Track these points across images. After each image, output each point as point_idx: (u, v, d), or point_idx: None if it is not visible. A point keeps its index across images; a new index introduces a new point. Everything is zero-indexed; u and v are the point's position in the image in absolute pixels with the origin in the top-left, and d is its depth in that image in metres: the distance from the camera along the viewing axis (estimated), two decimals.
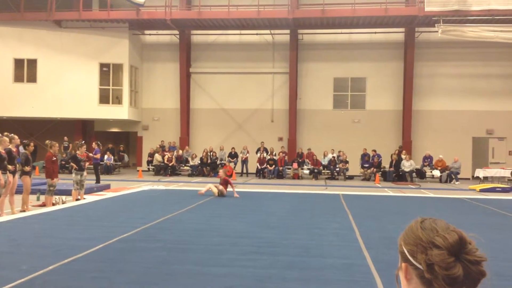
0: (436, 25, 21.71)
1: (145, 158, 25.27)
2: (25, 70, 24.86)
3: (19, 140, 10.96)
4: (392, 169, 22.30)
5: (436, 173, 22.19)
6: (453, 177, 21.86)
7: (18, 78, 24.90)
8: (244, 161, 23.73)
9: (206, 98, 25.92)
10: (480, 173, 21.25)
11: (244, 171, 23.75)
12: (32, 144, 11.52)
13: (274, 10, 23.52)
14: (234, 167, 23.35)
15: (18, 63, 24.91)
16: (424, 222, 1.24)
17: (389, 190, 17.62)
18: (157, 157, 23.55)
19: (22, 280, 5.02)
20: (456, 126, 24.13)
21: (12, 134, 10.63)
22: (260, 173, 23.08)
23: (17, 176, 10.57)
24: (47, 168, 11.23)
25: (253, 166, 23.59)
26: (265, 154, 23.43)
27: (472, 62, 24.29)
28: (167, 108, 26.11)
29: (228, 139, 25.29)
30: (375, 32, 24.53)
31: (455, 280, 1.12)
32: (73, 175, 12.35)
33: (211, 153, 23.81)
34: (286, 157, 23.51)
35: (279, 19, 23.36)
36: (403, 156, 22.45)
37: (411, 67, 23.94)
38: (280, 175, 22.82)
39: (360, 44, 25.14)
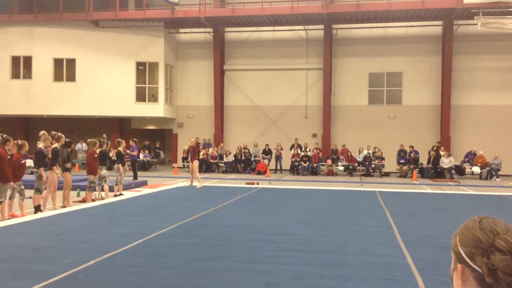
0: (475, 17, 21.07)
1: (180, 155, 25.56)
2: (64, 70, 25.50)
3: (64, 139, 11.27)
4: (430, 165, 21.81)
5: (476, 169, 21.60)
6: (494, 173, 21.22)
7: (57, 77, 25.56)
8: (278, 158, 23.69)
9: (240, 95, 25.98)
10: None
11: (278, 167, 23.71)
12: (73, 142, 11.88)
13: (307, 5, 23.33)
14: (268, 163, 23.36)
15: (58, 62, 25.57)
16: (482, 221, 1.17)
17: (427, 187, 17.24)
18: None
19: (65, 274, 5.16)
20: (497, 121, 23.37)
21: (59, 133, 10.97)
22: (294, 170, 23.00)
23: None
24: (89, 164, 11.50)
25: (287, 162, 23.54)
26: (299, 151, 23.32)
27: None
28: (201, 106, 26.32)
29: (262, 135, 25.28)
30: (412, 26, 23.99)
31: None
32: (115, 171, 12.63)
33: (245, 150, 23.87)
34: (320, 154, 23.33)
35: (313, 15, 23.18)
36: (441, 153, 21.92)
37: (450, 61, 23.32)
38: (314, 172, 22.67)
39: (396, 38, 24.66)
